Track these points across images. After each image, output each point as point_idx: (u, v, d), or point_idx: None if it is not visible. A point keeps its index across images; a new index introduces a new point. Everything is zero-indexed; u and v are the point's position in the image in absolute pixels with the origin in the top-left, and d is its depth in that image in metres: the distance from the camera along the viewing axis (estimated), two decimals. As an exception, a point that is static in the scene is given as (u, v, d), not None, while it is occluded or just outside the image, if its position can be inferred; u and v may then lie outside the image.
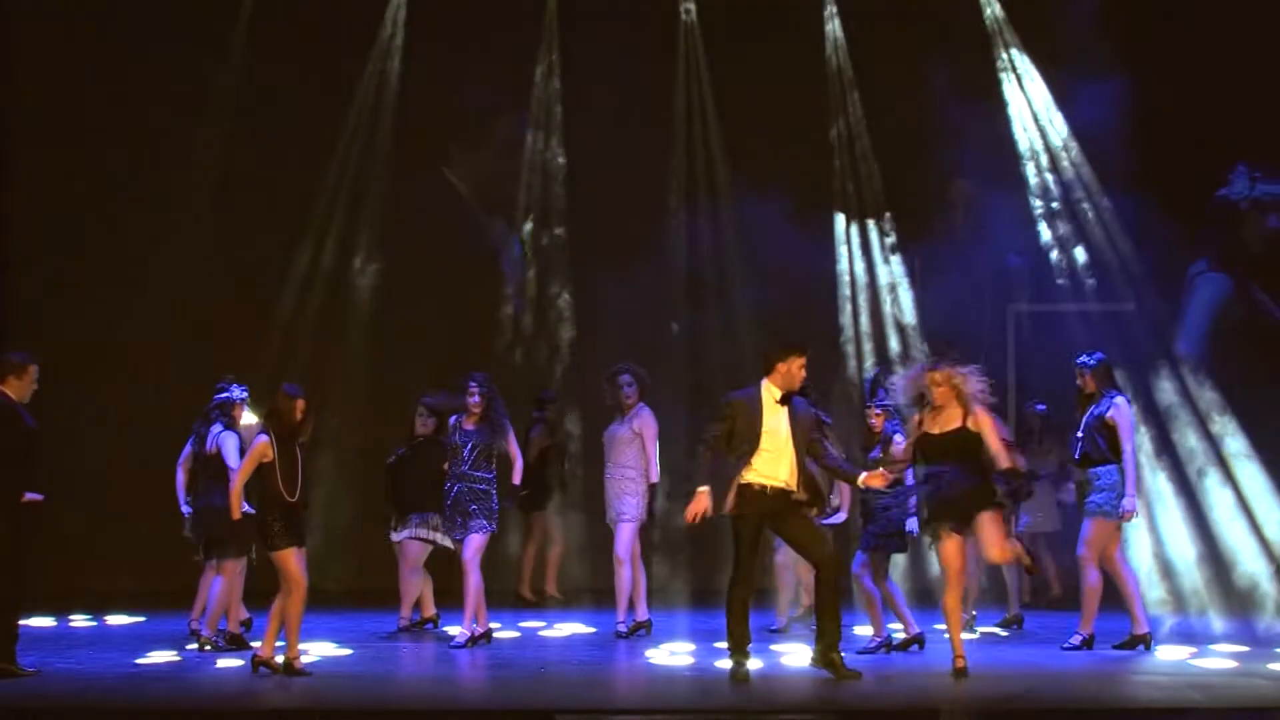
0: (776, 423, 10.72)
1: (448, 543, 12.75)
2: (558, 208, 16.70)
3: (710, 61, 16.62)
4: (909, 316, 16.34)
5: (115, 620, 13.85)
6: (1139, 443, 15.29)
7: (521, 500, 14.18)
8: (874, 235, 16.51)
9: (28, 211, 16.27)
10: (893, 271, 16.46)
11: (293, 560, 10.88)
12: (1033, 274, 16.03)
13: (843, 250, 16.53)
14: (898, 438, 12.01)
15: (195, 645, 12.06)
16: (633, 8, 16.44)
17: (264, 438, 10.90)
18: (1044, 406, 14.49)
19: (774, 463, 10.69)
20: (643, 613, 12.86)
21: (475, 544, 12.23)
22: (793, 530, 10.87)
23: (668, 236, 16.55)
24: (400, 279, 16.50)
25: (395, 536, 13.03)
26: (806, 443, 10.80)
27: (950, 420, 10.78)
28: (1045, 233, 16.16)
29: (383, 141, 16.58)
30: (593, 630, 13.35)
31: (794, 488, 10.74)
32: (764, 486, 10.68)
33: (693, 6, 16.65)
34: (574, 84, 16.65)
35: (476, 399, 12.32)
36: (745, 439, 10.69)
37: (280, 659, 10.90)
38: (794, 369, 10.77)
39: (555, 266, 16.70)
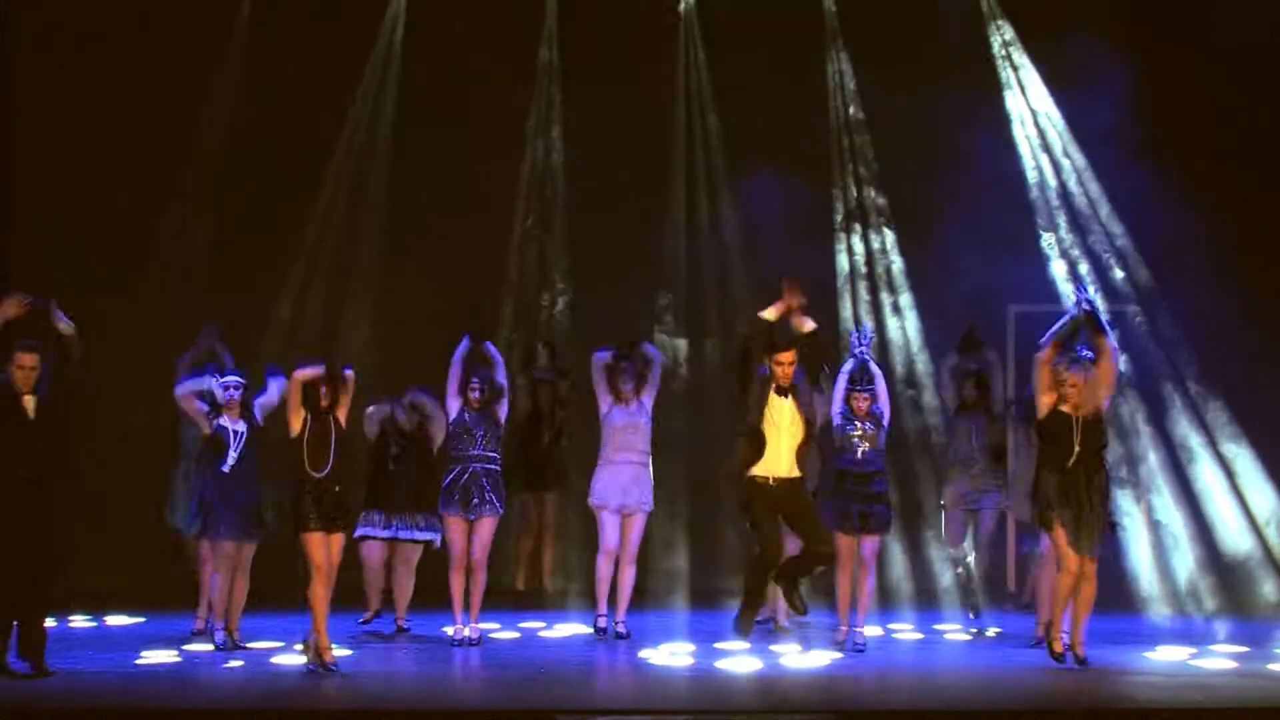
0: (778, 416, 11.33)
1: (427, 537, 12.87)
2: (557, 207, 16.69)
3: (710, 61, 16.61)
4: (909, 316, 16.32)
5: (115, 620, 13.85)
6: (1143, 444, 15.39)
7: (529, 479, 14.41)
8: (874, 235, 16.49)
9: (27, 213, 16.24)
10: (892, 271, 16.45)
11: (315, 544, 10.79)
12: (1032, 274, 16.01)
13: (843, 250, 16.51)
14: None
15: (212, 646, 12.00)
16: (633, 7, 16.46)
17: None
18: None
19: (774, 455, 11.31)
20: (621, 612, 12.95)
21: (485, 538, 12.36)
22: (799, 520, 11.43)
23: (667, 237, 16.53)
24: (399, 276, 16.48)
25: (384, 533, 13.06)
26: (805, 425, 11.37)
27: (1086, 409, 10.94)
28: (1045, 232, 16.15)
29: (382, 140, 16.58)
30: (592, 630, 13.34)
31: (797, 474, 11.36)
32: (767, 479, 11.31)
33: (692, 5, 16.65)
34: (573, 83, 16.64)
35: (478, 394, 12.47)
36: (752, 410, 11.30)
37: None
38: (774, 367, 11.38)
39: (553, 265, 16.68)
